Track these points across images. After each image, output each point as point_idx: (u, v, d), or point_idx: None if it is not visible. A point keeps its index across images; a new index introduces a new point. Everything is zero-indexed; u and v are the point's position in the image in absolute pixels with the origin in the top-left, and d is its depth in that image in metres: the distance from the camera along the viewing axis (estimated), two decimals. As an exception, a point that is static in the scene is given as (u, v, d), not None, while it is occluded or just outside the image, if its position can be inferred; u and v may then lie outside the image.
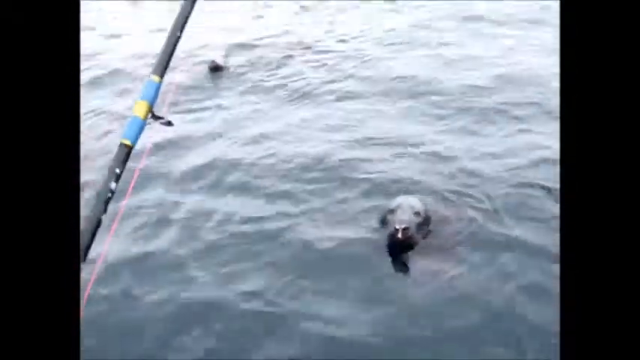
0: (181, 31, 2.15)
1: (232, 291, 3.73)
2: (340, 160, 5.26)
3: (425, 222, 4.01)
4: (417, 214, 3.97)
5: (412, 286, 3.74)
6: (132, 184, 2.19)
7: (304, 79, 7.48)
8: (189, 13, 2.16)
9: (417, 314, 3.44)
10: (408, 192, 4.51)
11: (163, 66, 2.12)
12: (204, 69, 7.97)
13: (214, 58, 8.07)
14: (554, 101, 5.95)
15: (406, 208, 3.98)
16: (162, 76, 2.12)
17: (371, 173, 5.03)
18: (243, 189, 4.98)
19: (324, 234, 4.19)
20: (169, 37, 2.14)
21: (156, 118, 2.16)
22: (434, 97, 6.55)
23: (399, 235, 3.75)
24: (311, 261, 3.98)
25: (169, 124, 2.23)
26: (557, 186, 4.43)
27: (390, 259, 3.90)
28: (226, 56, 8.33)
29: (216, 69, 7.96)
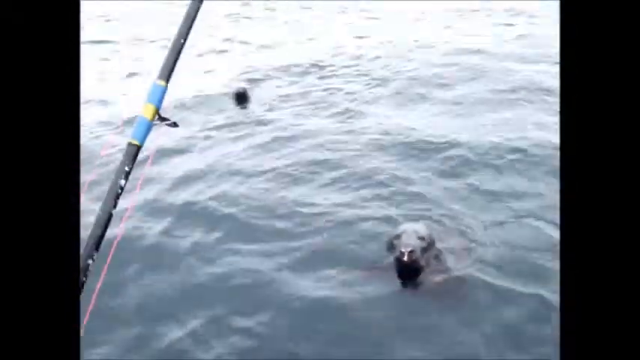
0: (186, 37, 2.19)
1: (230, 334, 3.68)
2: (339, 200, 5.27)
3: (429, 247, 4.14)
4: (421, 238, 4.11)
5: (418, 316, 3.79)
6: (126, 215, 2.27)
7: (314, 110, 7.57)
8: (194, 18, 2.20)
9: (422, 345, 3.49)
10: (410, 220, 4.63)
11: (169, 70, 2.17)
12: (227, 96, 7.99)
13: (243, 86, 8.05)
14: (553, 143, 5.97)
15: (411, 233, 4.14)
16: (167, 80, 2.19)
17: (369, 208, 5.10)
18: (244, 226, 4.92)
19: (332, 271, 4.22)
20: (175, 42, 2.18)
21: (162, 119, 2.26)
22: (430, 138, 6.53)
23: (405, 258, 3.88)
24: (318, 298, 3.98)
25: (175, 125, 2.32)
26: (552, 226, 4.54)
27: (398, 285, 4.02)
28: (251, 86, 8.33)
29: (241, 98, 7.87)
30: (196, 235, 4.77)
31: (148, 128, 2.18)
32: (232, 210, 5.13)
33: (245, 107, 7.83)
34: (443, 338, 3.53)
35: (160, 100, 2.22)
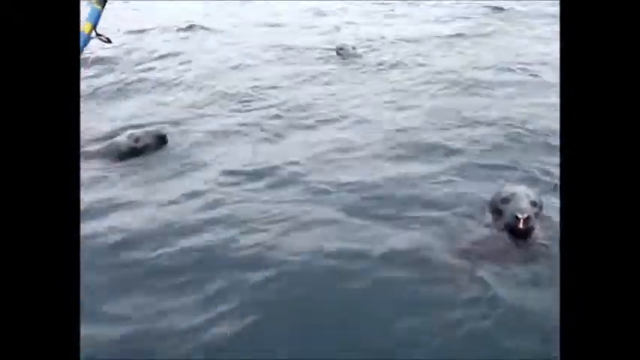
0: None
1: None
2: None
3: (540, 212, 3.74)
4: (533, 203, 3.71)
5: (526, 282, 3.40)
6: None
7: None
8: None
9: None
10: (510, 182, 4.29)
11: None
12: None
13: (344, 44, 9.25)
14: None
15: (522, 196, 3.72)
16: (103, 5, 3.14)
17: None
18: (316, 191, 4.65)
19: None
20: None
21: (97, 35, 3.19)
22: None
23: (521, 226, 3.51)
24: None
25: (108, 41, 3.33)
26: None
27: (508, 251, 3.60)
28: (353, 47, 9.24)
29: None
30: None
31: (85, 40, 3.02)
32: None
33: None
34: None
35: (97, 20, 3.10)
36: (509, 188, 3.91)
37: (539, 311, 3.09)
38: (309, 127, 6.19)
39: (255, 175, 5.03)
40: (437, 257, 3.61)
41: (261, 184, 4.88)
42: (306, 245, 3.83)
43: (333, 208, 4.33)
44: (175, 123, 6.32)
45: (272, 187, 4.81)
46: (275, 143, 5.82)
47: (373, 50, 9.49)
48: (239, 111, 6.78)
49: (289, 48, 9.68)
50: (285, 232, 4.09)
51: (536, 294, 3.24)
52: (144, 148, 5.55)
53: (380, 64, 8.71)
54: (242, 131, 6.14)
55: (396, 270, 3.50)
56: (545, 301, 3.14)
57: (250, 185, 4.86)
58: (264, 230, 4.10)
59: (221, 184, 4.88)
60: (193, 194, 4.69)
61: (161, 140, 5.68)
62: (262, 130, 6.14)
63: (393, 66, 8.57)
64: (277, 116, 6.54)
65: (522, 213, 3.50)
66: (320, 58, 9.04)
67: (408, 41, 10.04)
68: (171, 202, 4.60)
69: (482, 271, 3.43)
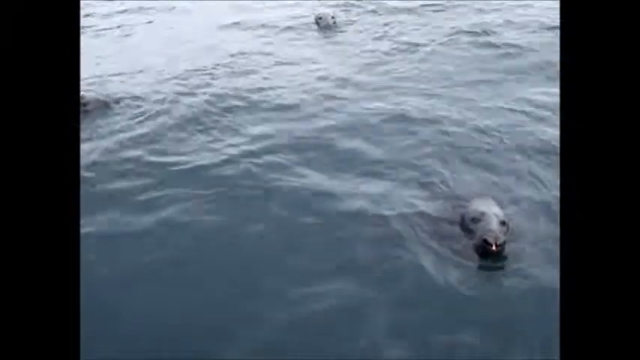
0: None
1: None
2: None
3: (507, 231, 3.76)
4: (502, 223, 3.72)
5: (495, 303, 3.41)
6: None
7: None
8: None
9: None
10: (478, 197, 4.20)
11: None
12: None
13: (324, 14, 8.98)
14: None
15: (492, 216, 3.74)
16: None
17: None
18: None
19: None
20: None
21: None
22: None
23: (494, 249, 3.56)
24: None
25: None
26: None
27: (476, 271, 3.65)
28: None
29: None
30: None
31: None
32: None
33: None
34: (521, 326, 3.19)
35: None
36: (478, 205, 3.92)
37: (516, 325, 3.17)
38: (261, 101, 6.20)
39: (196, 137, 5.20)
40: (405, 275, 3.59)
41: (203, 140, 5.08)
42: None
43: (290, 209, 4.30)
44: (129, 92, 6.33)
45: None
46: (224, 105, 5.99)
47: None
48: (199, 84, 6.74)
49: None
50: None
51: (508, 308, 3.31)
52: (91, 110, 5.61)
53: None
54: (195, 96, 6.21)
55: (367, 287, 3.50)
56: (514, 313, 3.24)
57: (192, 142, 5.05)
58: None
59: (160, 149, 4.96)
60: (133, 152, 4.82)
61: (109, 103, 5.78)
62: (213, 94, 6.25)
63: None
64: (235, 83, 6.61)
65: (495, 239, 3.55)
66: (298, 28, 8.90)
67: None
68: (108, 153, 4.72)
69: (453, 288, 3.46)
